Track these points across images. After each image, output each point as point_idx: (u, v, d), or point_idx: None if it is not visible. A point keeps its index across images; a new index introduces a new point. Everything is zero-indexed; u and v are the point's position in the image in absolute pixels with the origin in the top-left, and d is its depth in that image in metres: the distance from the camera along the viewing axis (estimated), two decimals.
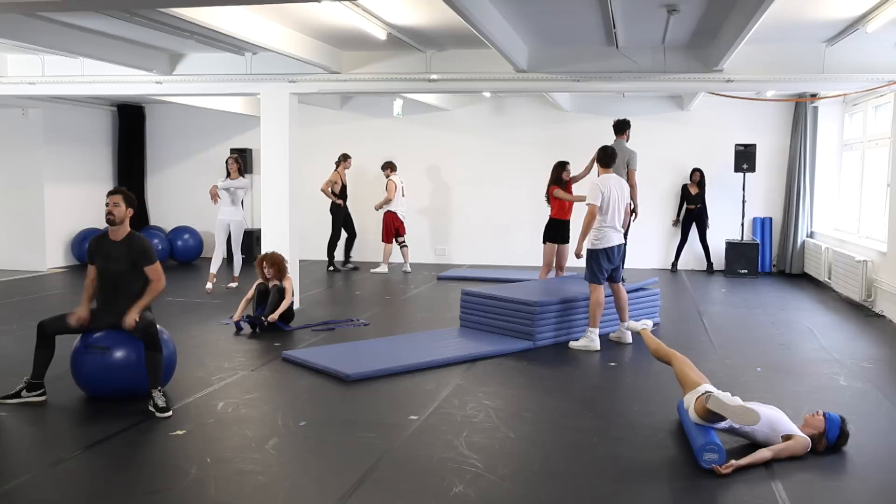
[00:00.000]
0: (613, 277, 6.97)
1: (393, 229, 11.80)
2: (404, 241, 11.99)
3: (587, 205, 6.81)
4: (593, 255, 6.83)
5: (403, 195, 11.89)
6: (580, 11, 6.62)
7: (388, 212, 11.76)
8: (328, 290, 10.17)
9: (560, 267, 9.00)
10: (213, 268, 9.89)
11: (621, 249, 6.97)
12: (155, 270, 5.15)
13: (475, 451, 4.25)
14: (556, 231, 8.82)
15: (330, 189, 11.72)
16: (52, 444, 4.45)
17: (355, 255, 12.59)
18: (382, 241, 11.88)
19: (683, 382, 4.65)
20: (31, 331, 5.31)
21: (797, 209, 11.63)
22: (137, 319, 4.97)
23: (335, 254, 12.02)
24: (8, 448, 4.41)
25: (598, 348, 6.73)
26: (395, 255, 12.30)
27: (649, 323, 5.95)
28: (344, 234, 12.12)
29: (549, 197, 8.83)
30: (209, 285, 9.76)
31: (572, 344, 6.85)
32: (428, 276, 11.45)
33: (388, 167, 11.84)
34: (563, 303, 7.06)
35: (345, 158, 11.83)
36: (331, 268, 11.94)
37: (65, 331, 5.14)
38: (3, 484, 3.79)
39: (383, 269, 11.81)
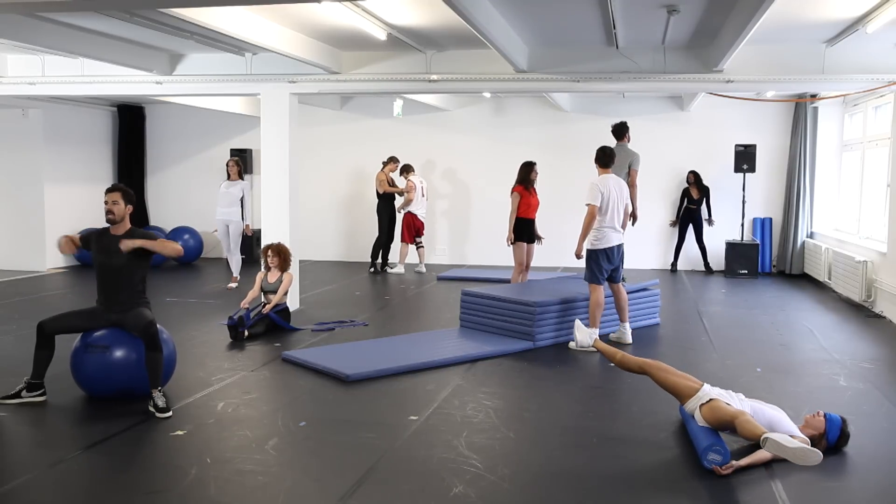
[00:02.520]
0: (613, 278, 6.97)
1: (413, 230, 11.82)
2: (421, 242, 12.01)
3: (587, 205, 6.81)
4: (593, 255, 6.83)
5: (423, 195, 11.91)
6: (580, 11, 6.62)
7: (408, 212, 11.78)
8: (330, 290, 10.18)
9: (526, 267, 8.79)
10: (234, 270, 10.21)
11: (621, 250, 6.97)
12: (162, 242, 5.16)
13: (475, 451, 4.25)
14: (524, 230, 8.64)
15: (387, 183, 11.77)
16: (52, 444, 4.45)
17: (362, 257, 12.67)
18: (402, 241, 11.90)
19: (676, 392, 4.50)
20: (31, 331, 5.32)
21: (797, 209, 11.63)
22: (129, 247, 4.96)
23: (379, 255, 11.99)
24: (8, 448, 4.41)
25: None
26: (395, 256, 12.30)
27: (580, 324, 5.89)
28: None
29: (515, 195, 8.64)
30: (231, 284, 10.07)
31: (572, 344, 6.85)
32: (428, 277, 11.45)
33: (406, 169, 11.88)
34: (563, 303, 7.06)
35: (392, 161, 11.85)
36: (371, 269, 11.92)
37: (64, 330, 5.15)
38: (3, 484, 3.79)
39: (399, 269, 11.81)
